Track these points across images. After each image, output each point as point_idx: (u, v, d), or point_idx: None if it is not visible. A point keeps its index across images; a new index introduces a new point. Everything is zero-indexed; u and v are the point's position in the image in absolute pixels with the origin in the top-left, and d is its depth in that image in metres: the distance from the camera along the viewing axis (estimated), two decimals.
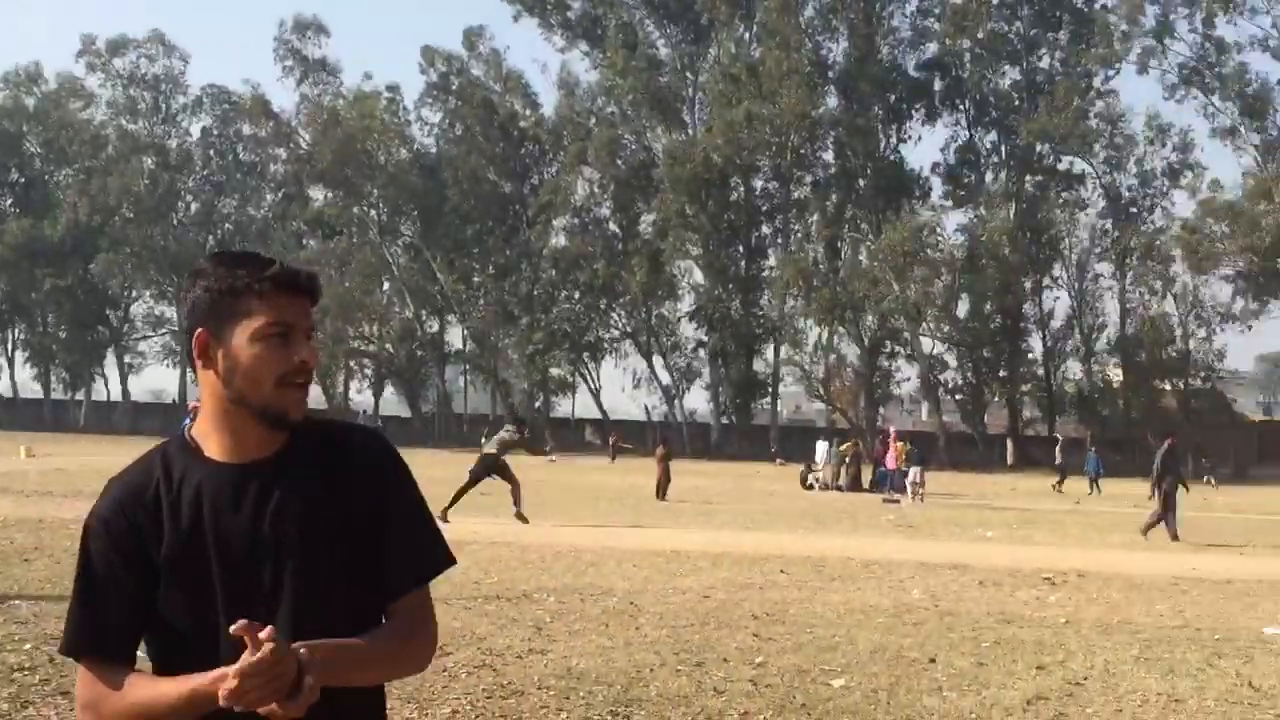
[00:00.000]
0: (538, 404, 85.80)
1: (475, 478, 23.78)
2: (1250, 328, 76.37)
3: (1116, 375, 79.61)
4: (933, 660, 10.37)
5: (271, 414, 2.50)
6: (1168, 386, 77.45)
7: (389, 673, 2.66)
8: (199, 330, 2.50)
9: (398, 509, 2.64)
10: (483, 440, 48.00)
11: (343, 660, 2.41)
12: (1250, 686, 9.83)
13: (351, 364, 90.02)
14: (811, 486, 41.96)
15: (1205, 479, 55.58)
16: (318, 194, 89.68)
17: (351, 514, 2.55)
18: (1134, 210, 77.15)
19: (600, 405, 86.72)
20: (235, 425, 2.51)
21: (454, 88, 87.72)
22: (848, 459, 42.75)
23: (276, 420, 2.51)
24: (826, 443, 45.92)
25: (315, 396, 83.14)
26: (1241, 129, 73.68)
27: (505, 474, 23.69)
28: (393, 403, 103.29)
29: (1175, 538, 24.08)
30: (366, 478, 2.61)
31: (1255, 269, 69.35)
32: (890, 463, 40.12)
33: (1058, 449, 51.67)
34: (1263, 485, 56.86)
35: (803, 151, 77.73)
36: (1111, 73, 76.78)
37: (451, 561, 2.72)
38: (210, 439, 2.55)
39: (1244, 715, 8.81)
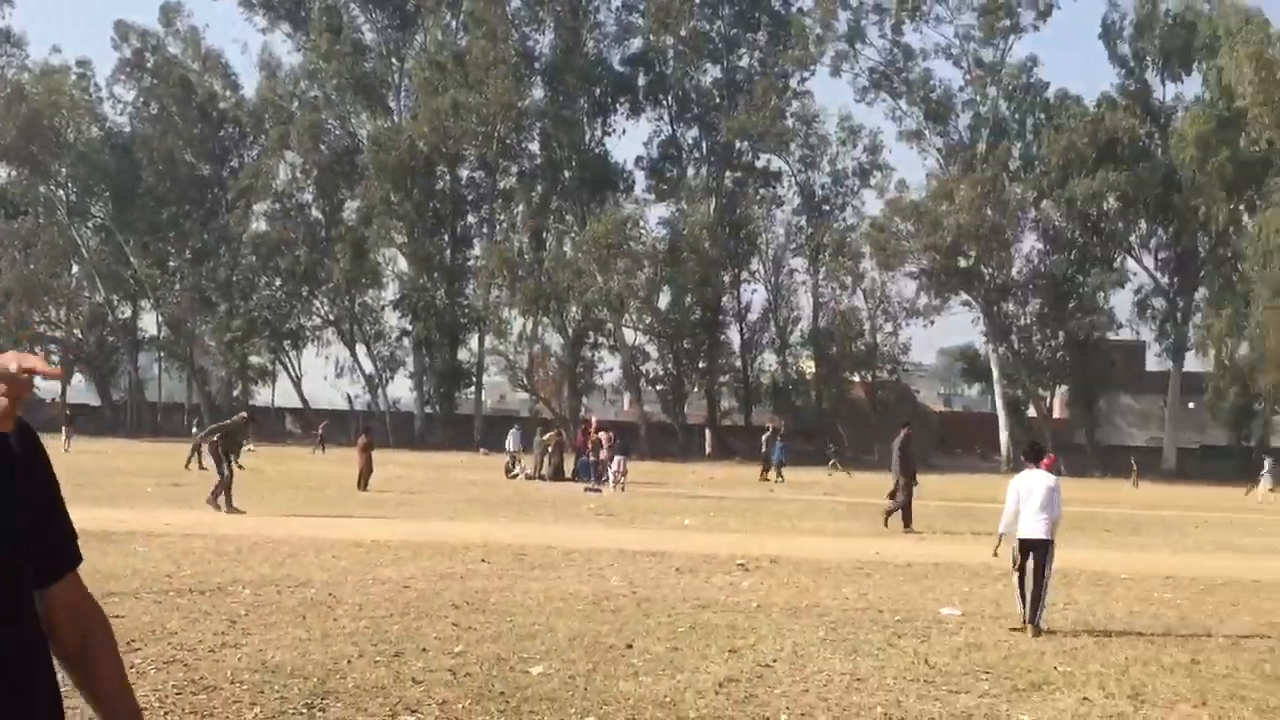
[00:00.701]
0: (236, 392, 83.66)
1: (224, 467, 23.26)
2: (933, 323, 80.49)
3: (809, 367, 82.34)
4: (630, 646, 10.57)
5: None
6: (857, 378, 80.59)
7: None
8: None
9: (47, 493, 2.51)
10: (194, 431, 46.81)
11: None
12: (927, 664, 10.35)
13: (36, 349, 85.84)
14: (515, 476, 42.10)
15: (830, 464, 57.85)
16: (0, 171, 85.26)
17: (18, 513, 2.41)
18: (827, 208, 79.94)
19: (301, 394, 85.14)
20: None
21: (149, 65, 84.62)
22: (550, 449, 42.99)
23: None
24: (517, 431, 46.06)
25: None
26: (926, 132, 77.23)
27: (218, 462, 23.18)
28: (81, 390, 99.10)
29: (886, 520, 25.05)
30: (28, 472, 2.42)
31: (937, 267, 72.69)
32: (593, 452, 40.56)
33: (764, 439, 52.63)
34: (942, 474, 59.55)
35: (509, 142, 77.90)
36: (807, 74, 79.58)
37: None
38: None
39: (920, 692, 9.26)
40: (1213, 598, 15.91)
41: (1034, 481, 12.75)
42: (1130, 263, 78.70)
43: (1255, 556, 22.82)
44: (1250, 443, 75.51)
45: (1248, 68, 42.37)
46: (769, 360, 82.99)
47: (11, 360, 2.06)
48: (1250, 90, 42.13)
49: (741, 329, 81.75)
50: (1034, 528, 12.58)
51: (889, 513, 25.43)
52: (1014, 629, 12.37)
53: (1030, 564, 12.55)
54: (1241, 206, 73.26)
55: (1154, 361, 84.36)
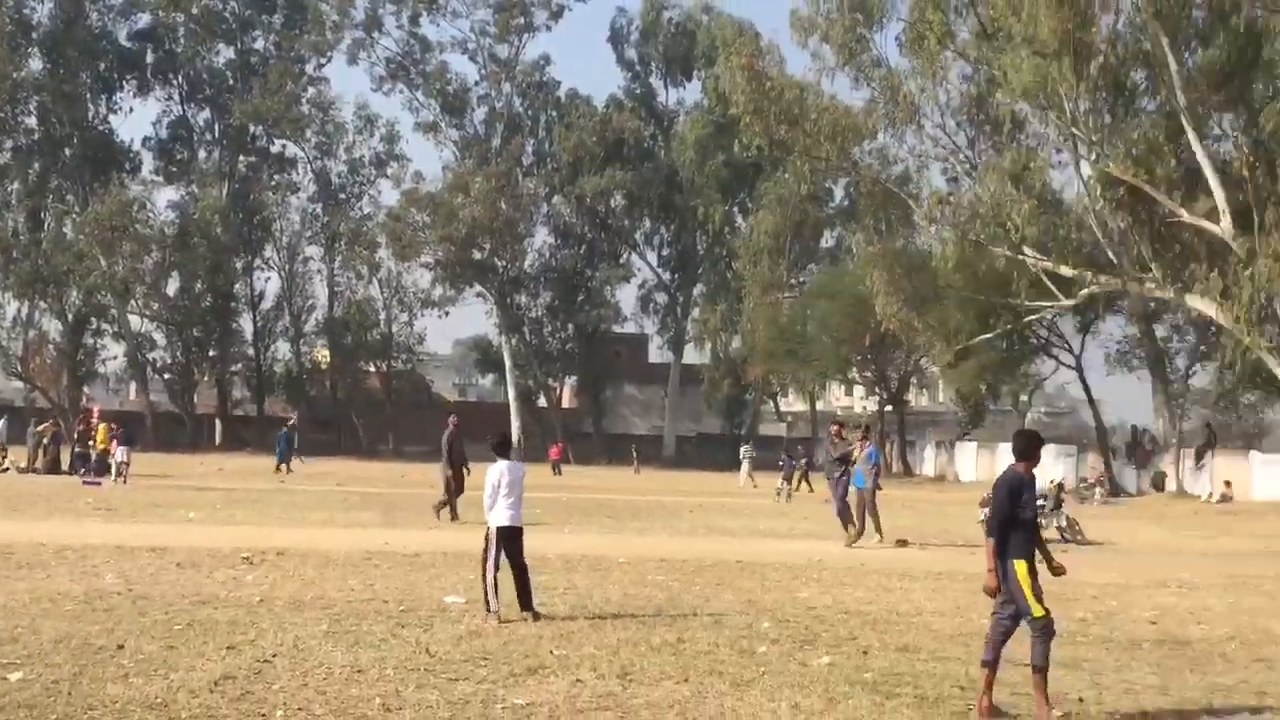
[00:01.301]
0: None
1: None
2: (448, 313, 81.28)
3: (324, 356, 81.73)
4: (121, 646, 10.30)
5: None
6: (372, 368, 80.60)
7: None
8: None
9: None
10: None
11: None
12: (428, 653, 10.58)
13: None
14: (6, 470, 39.86)
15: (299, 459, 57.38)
16: None
17: None
18: (343, 196, 79.37)
19: None
20: None
21: None
22: (46, 440, 40.95)
23: None
24: (6, 421, 43.57)
25: None
26: (442, 125, 77.82)
27: None
28: None
29: (454, 516, 25.05)
30: None
31: (453, 258, 73.48)
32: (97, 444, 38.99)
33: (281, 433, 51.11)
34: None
35: (3, 115, 73.17)
36: (324, 60, 78.46)
37: None
38: None
39: (420, 681, 9.47)
40: (701, 579, 16.90)
41: (507, 472, 13.03)
42: (635, 259, 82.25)
43: (741, 539, 24.41)
44: (741, 431, 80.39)
45: (740, 77, 44.70)
46: (283, 349, 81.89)
47: None
48: (742, 99, 44.51)
49: (255, 317, 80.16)
50: (512, 516, 12.89)
51: (439, 506, 25.52)
52: (502, 621, 12.39)
53: (507, 555, 12.77)
54: (736, 208, 78.01)
55: (656, 354, 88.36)
